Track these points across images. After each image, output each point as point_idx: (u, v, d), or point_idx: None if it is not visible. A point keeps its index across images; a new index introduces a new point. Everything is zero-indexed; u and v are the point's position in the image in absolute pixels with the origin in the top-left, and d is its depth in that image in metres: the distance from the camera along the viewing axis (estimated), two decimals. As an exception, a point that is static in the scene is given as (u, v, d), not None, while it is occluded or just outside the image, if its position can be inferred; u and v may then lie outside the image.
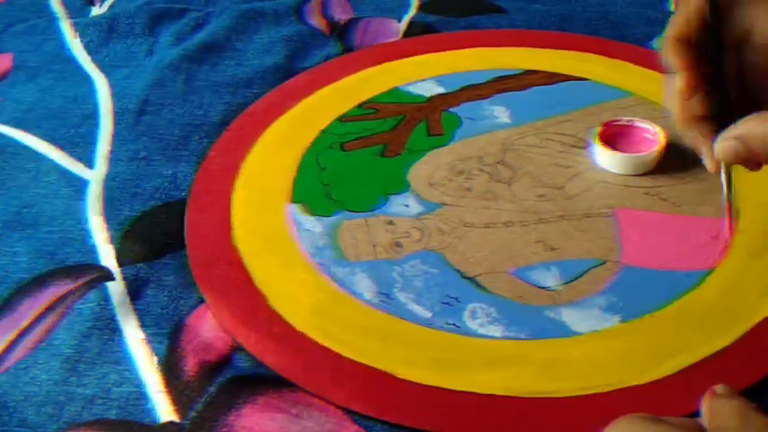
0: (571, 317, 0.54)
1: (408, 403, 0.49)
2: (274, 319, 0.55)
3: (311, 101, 0.74)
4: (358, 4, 0.90)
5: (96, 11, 0.91)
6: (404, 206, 0.63)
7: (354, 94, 0.75)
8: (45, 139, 0.71)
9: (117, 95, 0.77)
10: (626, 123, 0.68)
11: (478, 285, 0.56)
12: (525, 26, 0.85)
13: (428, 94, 0.74)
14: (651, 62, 0.77)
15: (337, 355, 0.52)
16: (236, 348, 0.53)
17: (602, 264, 0.58)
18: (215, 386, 0.50)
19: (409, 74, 0.77)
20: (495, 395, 0.50)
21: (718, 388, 0.43)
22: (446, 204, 0.63)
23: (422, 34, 0.84)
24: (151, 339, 0.53)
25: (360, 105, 0.74)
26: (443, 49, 0.80)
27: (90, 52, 0.84)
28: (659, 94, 0.70)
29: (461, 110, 0.73)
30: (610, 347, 0.52)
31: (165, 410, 0.49)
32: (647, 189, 0.64)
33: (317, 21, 0.88)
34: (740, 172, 0.48)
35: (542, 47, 0.80)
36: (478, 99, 0.74)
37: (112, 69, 0.80)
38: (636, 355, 0.52)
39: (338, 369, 0.51)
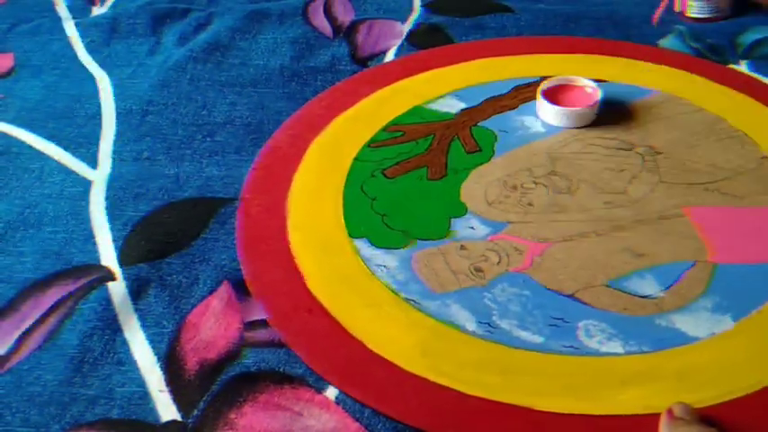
0: (684, 323, 0.52)
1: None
2: (378, 363, 0.50)
3: (333, 129, 0.70)
4: (361, 5, 0.89)
5: (97, 10, 0.90)
6: (470, 229, 0.60)
7: (375, 117, 0.72)
8: (49, 140, 0.70)
9: (121, 95, 0.76)
10: (567, 83, 0.71)
11: (580, 302, 0.54)
12: (532, 26, 0.84)
13: (454, 111, 0.71)
14: (661, 58, 0.77)
15: (458, 393, 0.48)
16: (237, 346, 0.52)
17: (693, 265, 0.56)
18: (216, 384, 0.49)
19: (426, 91, 0.74)
20: (639, 414, 0.47)
21: (676, 409, 0.42)
22: (512, 222, 0.60)
23: (427, 35, 0.83)
24: (153, 339, 0.52)
25: (384, 129, 0.70)
26: (454, 62, 0.78)
27: (93, 52, 0.82)
28: (682, 89, 0.70)
29: (491, 123, 0.70)
30: (735, 349, 0.51)
31: (167, 409, 0.48)
32: (706, 185, 0.63)
33: (321, 22, 0.86)
34: None
35: (552, 52, 0.79)
36: (505, 111, 0.71)
37: (116, 69, 0.79)
38: (758, 354, 0.50)
39: (464, 408, 0.47)
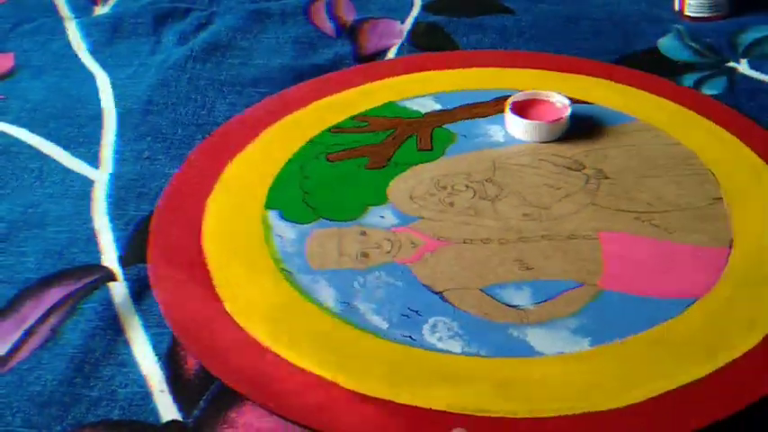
0: (537, 337, 0.51)
1: (358, 417, 0.46)
2: (225, 323, 0.52)
3: (305, 111, 0.73)
4: (363, 5, 0.90)
5: (99, 10, 0.91)
6: (380, 217, 0.60)
7: (350, 106, 0.73)
8: (50, 139, 0.71)
9: (121, 95, 0.76)
10: (537, 97, 0.69)
11: (444, 300, 0.53)
12: (532, 26, 0.84)
13: (424, 111, 0.72)
14: (657, 87, 0.74)
15: (287, 362, 0.50)
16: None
17: (579, 286, 0.54)
18: (216, 384, 0.49)
19: (408, 90, 0.75)
20: (447, 411, 0.46)
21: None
22: (423, 218, 0.60)
23: (427, 35, 0.84)
24: (155, 339, 0.52)
25: (352, 118, 0.72)
26: (449, 68, 0.78)
27: (95, 52, 0.84)
28: (664, 120, 0.68)
29: (456, 127, 0.70)
30: (574, 371, 0.49)
31: (168, 410, 0.48)
32: (639, 214, 0.60)
33: (323, 21, 0.87)
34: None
35: (548, 69, 0.77)
36: (476, 118, 0.71)
37: (117, 69, 0.80)
38: (603, 380, 0.48)
39: (288, 377, 0.49)
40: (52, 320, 0.54)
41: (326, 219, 0.61)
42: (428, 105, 0.73)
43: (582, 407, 0.47)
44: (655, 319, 0.52)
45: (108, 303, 0.55)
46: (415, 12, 0.88)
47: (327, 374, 0.49)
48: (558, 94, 0.70)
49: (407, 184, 0.64)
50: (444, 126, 0.70)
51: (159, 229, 0.60)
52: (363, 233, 0.59)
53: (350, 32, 0.86)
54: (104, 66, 0.81)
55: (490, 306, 0.53)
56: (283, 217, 0.61)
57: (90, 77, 0.80)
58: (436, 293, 0.54)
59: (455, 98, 0.74)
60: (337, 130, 0.71)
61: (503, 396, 0.47)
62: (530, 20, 0.84)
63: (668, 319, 0.52)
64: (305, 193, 0.63)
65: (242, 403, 0.48)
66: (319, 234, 0.59)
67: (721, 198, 0.62)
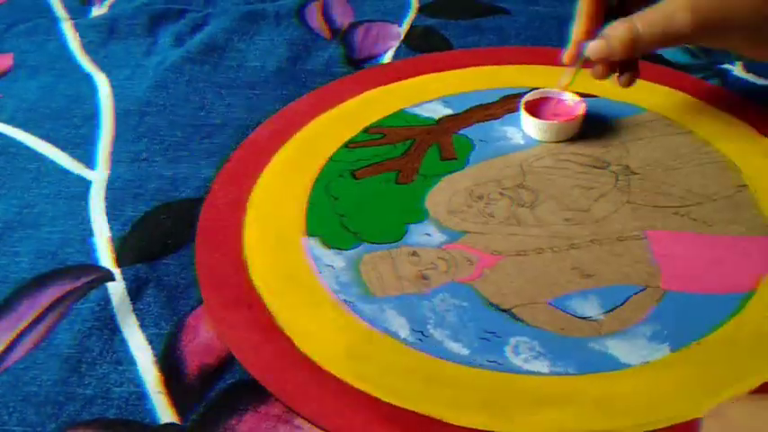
0: (618, 348, 0.51)
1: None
2: (301, 362, 0.51)
3: (314, 126, 0.71)
4: (359, 7, 0.90)
5: (97, 11, 0.91)
6: (425, 235, 0.60)
7: (359, 117, 0.72)
8: (47, 140, 0.71)
9: (118, 96, 0.76)
10: (552, 96, 0.70)
11: (516, 318, 0.53)
12: (527, 27, 0.84)
13: (437, 116, 0.71)
14: (658, 77, 0.75)
15: (376, 399, 0.49)
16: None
17: (642, 290, 0.55)
18: (216, 391, 0.49)
19: (413, 95, 0.74)
20: (550, 437, 0.47)
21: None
22: (469, 232, 0.60)
23: (424, 37, 0.83)
24: (151, 340, 0.52)
25: (366, 130, 0.70)
26: (446, 69, 0.77)
27: (91, 53, 0.83)
28: (673, 109, 0.69)
29: (473, 131, 0.70)
30: (663, 379, 0.50)
31: (165, 411, 0.48)
32: (677, 209, 0.61)
33: (318, 23, 0.87)
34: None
35: (546, 63, 0.78)
36: (489, 119, 0.71)
37: (114, 70, 0.80)
38: (690, 386, 0.49)
39: (378, 414, 0.48)
40: (48, 320, 0.54)
41: (370, 242, 0.59)
42: (439, 110, 0.73)
43: (681, 416, 0.48)
44: (720, 316, 0.53)
45: (104, 303, 0.55)
46: (413, 15, 0.87)
47: (428, 410, 0.48)
48: (569, 92, 0.70)
49: (443, 198, 0.63)
50: (461, 131, 0.70)
51: (204, 267, 0.58)
52: (414, 253, 0.59)
53: (345, 35, 0.85)
54: (101, 67, 0.81)
55: (563, 320, 0.53)
56: (326, 244, 0.59)
57: (86, 78, 0.79)
58: (505, 311, 0.54)
59: (462, 100, 0.74)
60: (354, 144, 0.69)
61: (605, 413, 0.48)
62: (525, 21, 0.85)
63: (733, 315, 0.53)
64: (340, 216, 0.62)
65: (243, 413, 0.48)
66: (370, 259, 0.58)
67: (746, 185, 0.63)
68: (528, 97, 0.70)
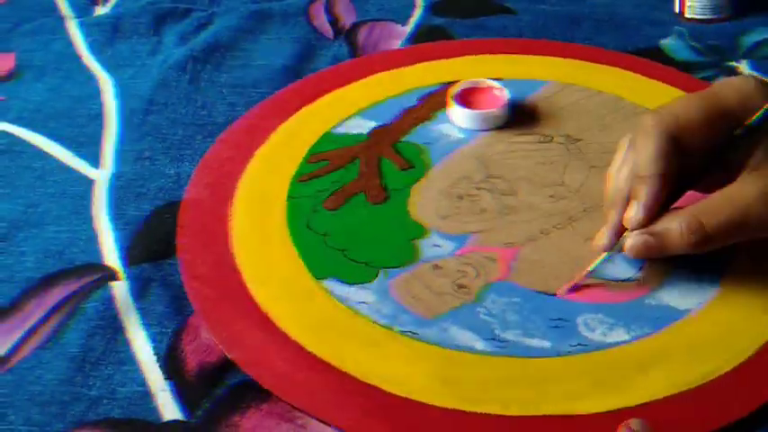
0: (672, 298, 0.54)
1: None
2: (398, 404, 0.48)
3: (253, 167, 0.67)
4: (363, 6, 0.90)
5: (100, 10, 0.91)
6: (436, 247, 0.59)
7: (289, 149, 0.68)
8: (51, 139, 0.71)
9: (122, 95, 0.76)
10: (473, 86, 0.72)
11: (570, 298, 0.54)
12: (532, 27, 0.86)
13: (365, 131, 0.70)
14: (544, 49, 0.79)
15: (492, 415, 0.48)
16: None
17: (655, 242, 0.58)
18: (218, 389, 0.49)
19: (331, 115, 0.72)
20: (667, 396, 0.48)
21: (635, 425, 0.45)
22: (473, 232, 0.60)
23: (429, 36, 0.84)
24: (155, 338, 0.52)
25: (305, 161, 0.67)
26: (353, 80, 0.76)
27: (95, 52, 0.83)
28: (574, 76, 0.73)
29: (413, 137, 0.69)
30: (724, 320, 0.53)
31: (169, 409, 0.48)
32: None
33: (321, 22, 0.87)
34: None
35: (437, 59, 0.79)
36: (419, 123, 0.71)
37: (118, 69, 0.80)
38: (746, 321, 0.53)
39: (501, 429, 0.47)
40: (53, 320, 0.54)
41: (387, 267, 0.57)
42: (363, 125, 0.71)
43: (758, 342, 0.51)
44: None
45: (108, 302, 0.55)
46: (418, 14, 0.88)
47: (541, 411, 0.48)
48: (488, 80, 0.72)
49: (430, 206, 0.62)
50: (403, 140, 0.69)
51: (219, 328, 0.53)
52: (437, 266, 0.57)
53: (347, 34, 0.85)
54: (105, 66, 0.81)
55: (612, 288, 0.55)
56: (346, 283, 0.56)
57: (91, 77, 0.80)
58: (552, 295, 0.55)
59: (381, 110, 0.73)
60: (305, 177, 0.66)
61: (700, 361, 0.50)
62: (530, 20, 0.86)
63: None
64: (342, 251, 0.59)
65: (245, 410, 0.48)
66: (398, 285, 0.56)
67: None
68: (452, 91, 0.70)
